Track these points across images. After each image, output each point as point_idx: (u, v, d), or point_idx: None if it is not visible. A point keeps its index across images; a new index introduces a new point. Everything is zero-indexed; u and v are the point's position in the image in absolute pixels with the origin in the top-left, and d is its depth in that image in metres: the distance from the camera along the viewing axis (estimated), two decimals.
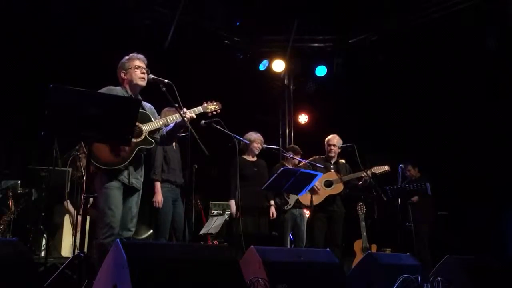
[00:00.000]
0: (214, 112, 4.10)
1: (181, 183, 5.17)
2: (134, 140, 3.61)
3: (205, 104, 4.06)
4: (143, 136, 3.68)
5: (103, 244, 3.49)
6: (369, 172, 5.64)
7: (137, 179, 3.75)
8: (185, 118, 3.74)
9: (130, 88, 3.83)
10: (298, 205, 6.18)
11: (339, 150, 6.01)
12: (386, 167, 5.78)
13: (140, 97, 3.90)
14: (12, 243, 2.72)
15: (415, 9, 7.51)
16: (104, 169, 3.54)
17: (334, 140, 6.02)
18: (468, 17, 6.99)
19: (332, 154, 5.99)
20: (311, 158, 6.00)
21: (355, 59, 8.37)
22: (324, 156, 6.06)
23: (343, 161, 6.11)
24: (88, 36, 6.48)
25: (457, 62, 7.22)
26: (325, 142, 6.07)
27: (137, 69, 3.80)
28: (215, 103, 4.10)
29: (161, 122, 3.80)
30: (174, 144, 5.18)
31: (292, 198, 6.07)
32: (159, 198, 4.92)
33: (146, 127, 3.71)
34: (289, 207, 6.06)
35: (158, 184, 4.95)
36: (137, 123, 3.64)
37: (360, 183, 5.77)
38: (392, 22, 7.92)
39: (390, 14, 7.79)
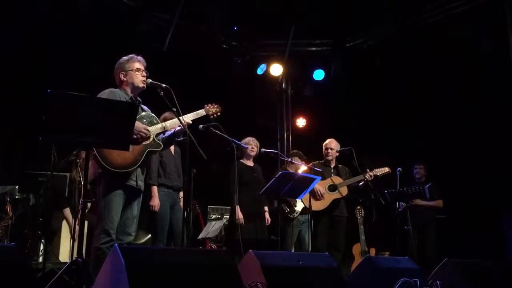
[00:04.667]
0: (216, 115, 4.12)
1: (179, 187, 5.15)
2: (143, 142, 3.65)
3: (207, 107, 4.08)
4: (151, 138, 3.71)
5: (100, 249, 3.49)
6: (371, 173, 5.66)
7: (142, 181, 3.79)
8: (183, 123, 3.76)
9: (130, 90, 3.83)
10: (305, 211, 6.16)
11: (337, 153, 6.02)
12: (387, 169, 5.83)
13: (140, 99, 3.91)
14: (10, 248, 2.71)
15: (412, 13, 7.54)
16: (115, 172, 3.53)
17: (332, 144, 6.03)
18: (465, 21, 7.01)
19: (330, 158, 6.00)
20: (310, 164, 6.00)
21: (353, 63, 8.38)
22: (322, 161, 6.06)
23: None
24: (87, 39, 6.48)
25: (455, 65, 7.24)
26: (323, 146, 6.07)
27: (138, 72, 3.81)
28: (215, 106, 4.12)
29: (167, 124, 3.82)
30: (172, 148, 5.18)
31: (299, 206, 6.04)
32: (156, 202, 4.89)
33: (153, 129, 3.73)
34: (296, 215, 6.01)
35: (155, 188, 4.92)
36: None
37: (361, 184, 5.79)
38: (389, 26, 7.95)
39: (387, 18, 7.81)
